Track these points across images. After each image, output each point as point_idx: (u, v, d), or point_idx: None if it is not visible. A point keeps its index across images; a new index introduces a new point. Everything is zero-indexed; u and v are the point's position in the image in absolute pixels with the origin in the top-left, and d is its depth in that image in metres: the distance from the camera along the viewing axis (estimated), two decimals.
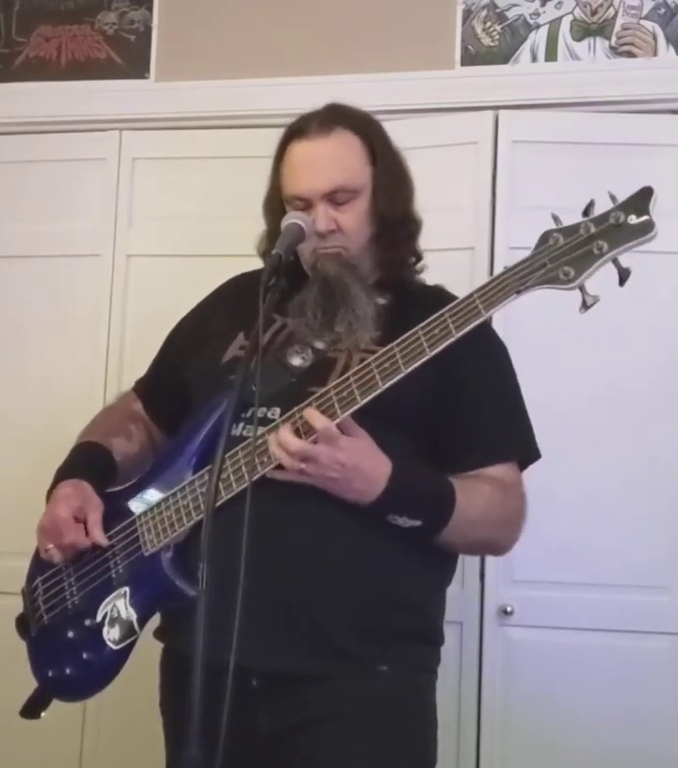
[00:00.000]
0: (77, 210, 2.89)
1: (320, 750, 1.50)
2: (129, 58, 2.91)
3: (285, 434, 1.44)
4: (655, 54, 2.63)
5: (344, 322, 1.59)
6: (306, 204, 1.63)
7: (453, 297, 1.62)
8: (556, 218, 1.43)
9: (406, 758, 1.54)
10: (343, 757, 1.50)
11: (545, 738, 2.43)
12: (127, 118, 2.88)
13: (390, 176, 1.68)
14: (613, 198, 1.40)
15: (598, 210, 1.41)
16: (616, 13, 2.66)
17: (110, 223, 2.87)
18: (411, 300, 1.66)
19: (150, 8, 2.91)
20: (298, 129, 1.67)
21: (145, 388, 1.87)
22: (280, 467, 1.46)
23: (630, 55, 2.64)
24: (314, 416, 1.43)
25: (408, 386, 1.44)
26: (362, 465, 1.45)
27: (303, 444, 1.42)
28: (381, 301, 1.64)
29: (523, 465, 1.66)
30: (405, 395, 1.46)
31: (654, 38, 2.63)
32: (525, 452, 1.66)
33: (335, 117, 1.67)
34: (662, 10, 2.64)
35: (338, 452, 1.42)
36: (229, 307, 1.76)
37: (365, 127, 1.69)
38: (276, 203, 1.71)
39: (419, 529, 1.51)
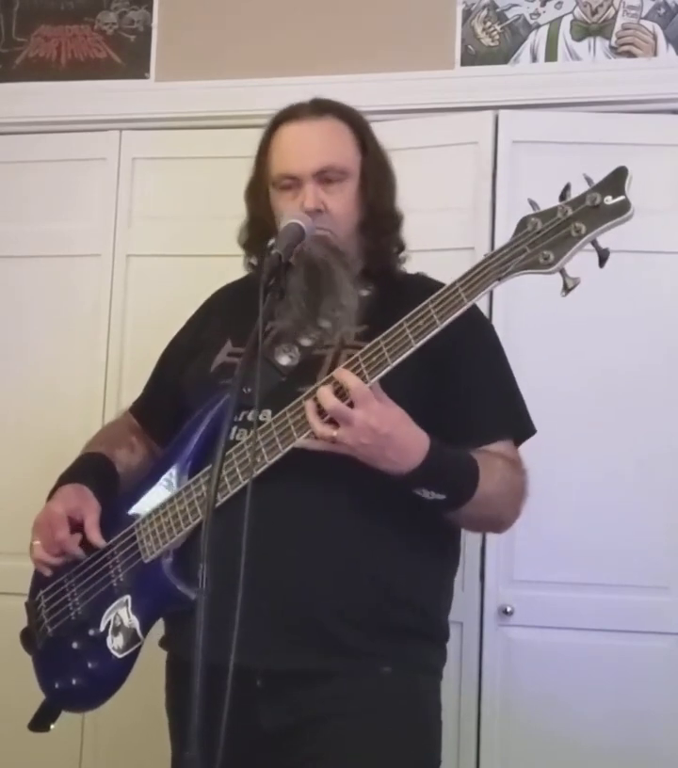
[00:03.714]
0: (77, 210, 2.89)
1: (324, 748, 1.50)
2: (129, 58, 2.91)
3: (326, 391, 1.41)
4: (655, 54, 2.63)
5: (328, 310, 1.58)
6: (295, 184, 1.63)
7: (436, 284, 1.62)
8: (532, 203, 1.43)
9: (410, 758, 1.54)
10: (346, 755, 1.49)
11: (545, 738, 2.43)
12: (127, 118, 2.88)
13: (378, 168, 1.69)
14: (589, 180, 1.40)
15: (575, 194, 1.41)
16: (616, 13, 2.66)
17: (110, 223, 2.87)
18: (394, 290, 1.66)
19: (150, 8, 2.91)
20: (288, 114, 1.68)
21: (142, 407, 1.86)
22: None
23: (630, 55, 2.64)
24: (348, 375, 1.41)
25: (400, 374, 1.44)
26: (394, 433, 1.42)
27: (339, 403, 1.40)
28: (365, 292, 1.65)
29: (518, 441, 1.66)
30: (398, 383, 1.45)
31: (654, 38, 2.63)
32: (521, 429, 1.67)
33: (326, 105, 1.69)
34: (662, 10, 2.64)
35: (371, 416, 1.40)
36: (218, 317, 1.77)
37: (355, 119, 1.70)
38: (261, 191, 1.70)
39: (441, 502, 1.49)
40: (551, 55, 2.68)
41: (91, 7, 2.95)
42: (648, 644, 2.44)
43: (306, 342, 1.60)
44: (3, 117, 2.94)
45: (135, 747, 2.56)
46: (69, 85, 2.92)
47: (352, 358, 1.45)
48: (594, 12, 2.67)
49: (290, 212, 1.60)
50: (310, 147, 1.63)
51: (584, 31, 2.67)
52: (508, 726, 2.47)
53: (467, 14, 2.73)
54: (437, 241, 2.39)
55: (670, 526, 2.46)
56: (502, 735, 2.47)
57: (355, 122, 1.70)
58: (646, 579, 2.46)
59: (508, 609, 2.49)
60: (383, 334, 1.44)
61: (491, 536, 2.48)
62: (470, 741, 2.47)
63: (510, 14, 2.71)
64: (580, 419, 2.48)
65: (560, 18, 2.69)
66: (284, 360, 1.59)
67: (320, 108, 1.68)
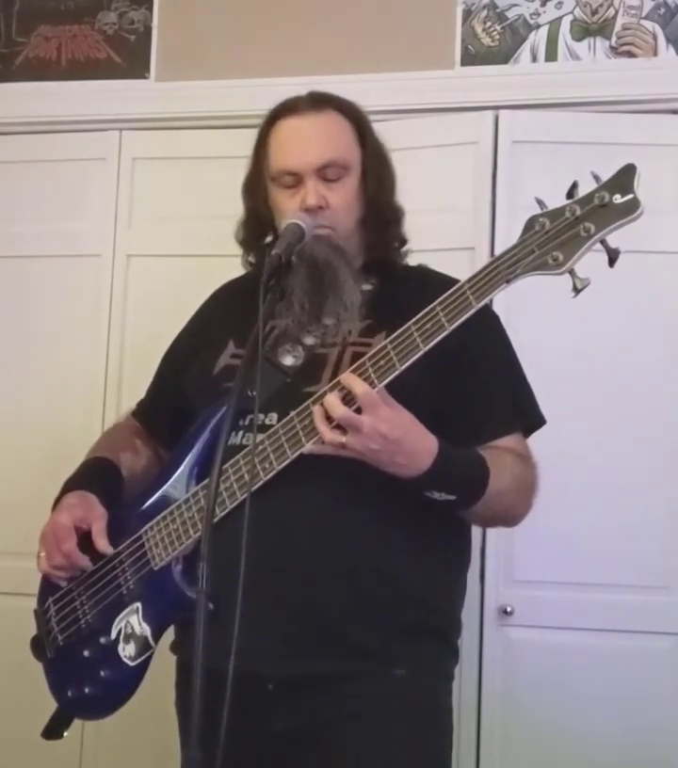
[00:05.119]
0: (77, 210, 2.89)
1: (336, 751, 1.50)
2: (129, 58, 2.91)
3: (333, 399, 1.40)
4: (655, 54, 2.63)
5: (332, 312, 1.57)
6: (296, 180, 1.61)
7: (437, 275, 1.61)
8: (540, 202, 1.41)
9: (422, 761, 1.53)
10: (360, 759, 1.49)
11: (545, 737, 2.43)
12: (127, 118, 2.88)
13: (378, 161, 1.68)
14: (596, 178, 1.39)
15: (582, 192, 1.39)
16: (616, 13, 2.66)
17: (110, 223, 2.87)
18: (396, 284, 1.65)
19: (150, 8, 2.92)
20: (287, 107, 1.67)
21: (145, 410, 1.85)
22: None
23: (630, 55, 2.64)
24: (355, 380, 1.40)
25: (406, 374, 1.43)
26: (403, 438, 1.41)
27: (348, 411, 1.39)
28: (367, 287, 1.63)
29: (528, 432, 1.66)
30: (405, 385, 1.44)
31: (654, 38, 2.63)
32: (530, 421, 1.66)
33: (324, 98, 1.68)
34: (662, 10, 2.64)
35: (380, 422, 1.39)
36: (219, 317, 1.75)
37: (354, 113, 1.69)
38: (259, 186, 1.69)
39: (452, 502, 1.49)
40: (551, 55, 2.68)
41: (91, 7, 2.95)
42: (648, 644, 2.44)
43: (309, 340, 1.58)
44: (3, 117, 2.94)
45: (135, 748, 2.56)
46: (69, 85, 2.92)
47: (360, 361, 1.43)
48: (594, 12, 2.67)
49: (291, 212, 1.59)
50: (311, 142, 1.62)
51: (584, 31, 2.67)
52: (508, 726, 2.47)
53: (467, 14, 2.73)
54: (437, 241, 2.39)
55: (671, 526, 2.46)
56: (502, 735, 2.47)
57: (354, 116, 1.68)
58: (646, 579, 2.46)
59: (508, 609, 2.49)
60: (391, 337, 1.43)
61: (491, 537, 2.48)
62: (470, 741, 2.46)
63: (510, 14, 2.71)
64: (580, 421, 2.48)
65: (560, 18, 2.69)
66: (288, 361, 1.58)
67: (319, 101, 1.66)
